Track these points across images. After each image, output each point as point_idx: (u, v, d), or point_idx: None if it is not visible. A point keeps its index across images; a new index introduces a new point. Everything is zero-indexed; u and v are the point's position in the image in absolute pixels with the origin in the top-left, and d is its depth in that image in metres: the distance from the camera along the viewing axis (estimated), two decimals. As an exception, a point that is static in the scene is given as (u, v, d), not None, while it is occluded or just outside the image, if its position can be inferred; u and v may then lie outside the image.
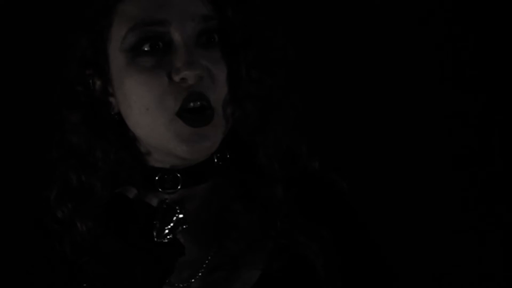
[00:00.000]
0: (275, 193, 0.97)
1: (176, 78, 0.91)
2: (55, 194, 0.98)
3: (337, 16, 1.79)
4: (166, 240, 0.93)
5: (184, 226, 0.94)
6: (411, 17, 1.84)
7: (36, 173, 1.02)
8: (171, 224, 0.94)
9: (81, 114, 0.96)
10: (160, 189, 0.96)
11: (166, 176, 0.96)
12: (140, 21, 0.92)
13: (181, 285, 0.97)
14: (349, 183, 1.05)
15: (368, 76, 1.81)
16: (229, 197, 0.99)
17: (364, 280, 0.98)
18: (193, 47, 0.92)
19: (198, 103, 0.92)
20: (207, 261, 0.97)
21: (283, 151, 0.98)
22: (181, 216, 0.95)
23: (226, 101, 0.95)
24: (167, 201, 0.96)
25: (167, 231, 0.93)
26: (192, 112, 0.92)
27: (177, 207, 0.95)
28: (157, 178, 0.96)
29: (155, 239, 0.93)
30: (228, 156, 1.00)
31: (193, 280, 0.97)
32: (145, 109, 0.92)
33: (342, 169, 1.05)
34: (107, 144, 0.96)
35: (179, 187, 0.97)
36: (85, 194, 0.96)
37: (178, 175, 0.96)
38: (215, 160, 0.99)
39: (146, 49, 0.92)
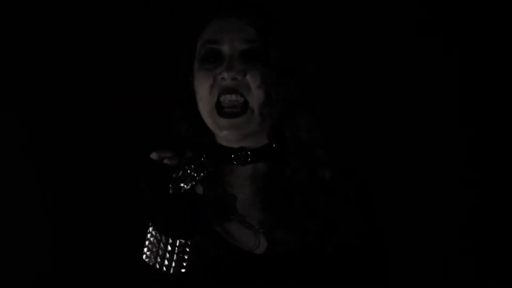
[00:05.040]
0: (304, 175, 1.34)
1: (218, 78, 1.32)
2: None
3: (342, 18, 1.85)
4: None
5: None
6: (411, 17, 1.85)
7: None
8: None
9: (185, 107, 1.39)
10: (235, 162, 1.35)
11: (239, 153, 1.35)
12: (206, 40, 1.35)
13: (261, 230, 1.34)
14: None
15: (373, 79, 1.83)
16: (280, 174, 1.36)
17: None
18: (236, 59, 1.32)
19: (233, 96, 1.31)
20: (274, 218, 1.33)
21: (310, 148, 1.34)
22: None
23: (261, 102, 1.32)
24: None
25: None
26: (228, 107, 1.32)
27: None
28: (233, 155, 1.35)
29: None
30: (274, 146, 1.37)
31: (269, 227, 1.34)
32: (200, 98, 1.34)
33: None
34: (190, 120, 1.39)
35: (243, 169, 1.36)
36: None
37: (249, 152, 1.34)
38: (273, 146, 1.37)
39: (211, 59, 1.34)
